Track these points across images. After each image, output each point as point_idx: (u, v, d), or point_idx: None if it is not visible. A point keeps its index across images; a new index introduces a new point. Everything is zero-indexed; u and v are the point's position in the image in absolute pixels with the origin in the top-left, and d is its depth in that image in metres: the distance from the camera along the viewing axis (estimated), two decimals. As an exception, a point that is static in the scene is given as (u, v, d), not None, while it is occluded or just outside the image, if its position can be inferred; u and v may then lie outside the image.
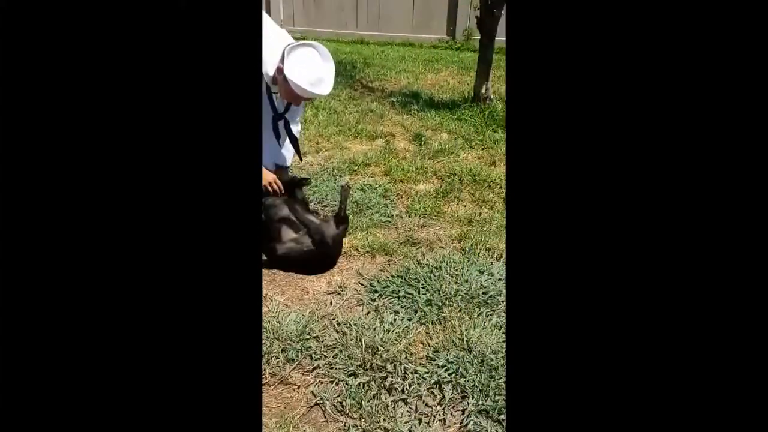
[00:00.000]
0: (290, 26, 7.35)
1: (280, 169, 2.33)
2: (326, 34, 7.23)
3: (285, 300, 1.91)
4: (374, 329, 1.72)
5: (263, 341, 1.66)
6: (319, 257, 2.11)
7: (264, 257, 2.11)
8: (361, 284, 2.01)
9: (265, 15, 2.26)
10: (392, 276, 2.03)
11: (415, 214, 2.55)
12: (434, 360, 1.60)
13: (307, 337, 1.69)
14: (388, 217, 2.54)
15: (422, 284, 1.97)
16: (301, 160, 2.62)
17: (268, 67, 2.05)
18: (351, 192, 2.51)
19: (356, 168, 3.06)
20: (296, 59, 1.98)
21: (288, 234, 2.13)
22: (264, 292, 1.93)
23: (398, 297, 1.92)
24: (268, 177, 2.21)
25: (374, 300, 1.91)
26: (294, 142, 2.40)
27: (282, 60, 2.00)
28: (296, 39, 2.18)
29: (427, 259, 2.15)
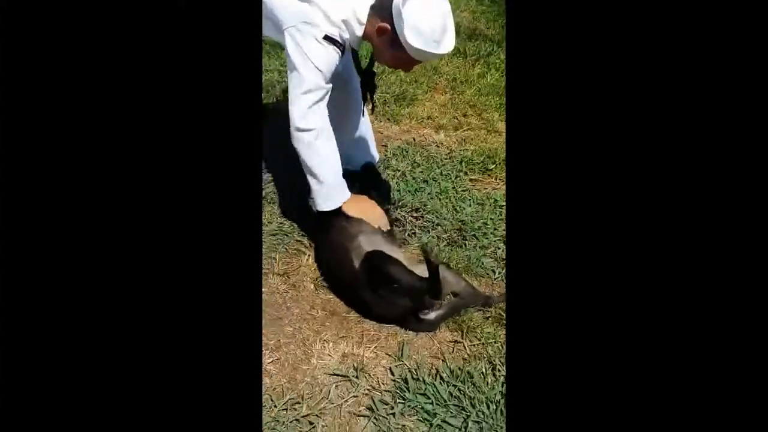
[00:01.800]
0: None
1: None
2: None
3: (270, 363, 1.31)
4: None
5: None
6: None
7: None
8: (390, 373, 1.32)
9: None
10: (443, 378, 1.31)
11: (536, 270, 1.72)
12: None
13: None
14: (495, 260, 1.75)
15: (477, 412, 1.22)
16: (372, 112, 1.99)
17: (354, 24, 1.48)
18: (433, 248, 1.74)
19: (491, 168, 2.24)
20: (412, 12, 1.40)
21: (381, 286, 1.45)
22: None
23: (430, 425, 1.20)
24: (375, 214, 1.61)
25: (392, 413, 1.22)
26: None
27: (387, 17, 1.42)
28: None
29: (509, 366, 1.36)
